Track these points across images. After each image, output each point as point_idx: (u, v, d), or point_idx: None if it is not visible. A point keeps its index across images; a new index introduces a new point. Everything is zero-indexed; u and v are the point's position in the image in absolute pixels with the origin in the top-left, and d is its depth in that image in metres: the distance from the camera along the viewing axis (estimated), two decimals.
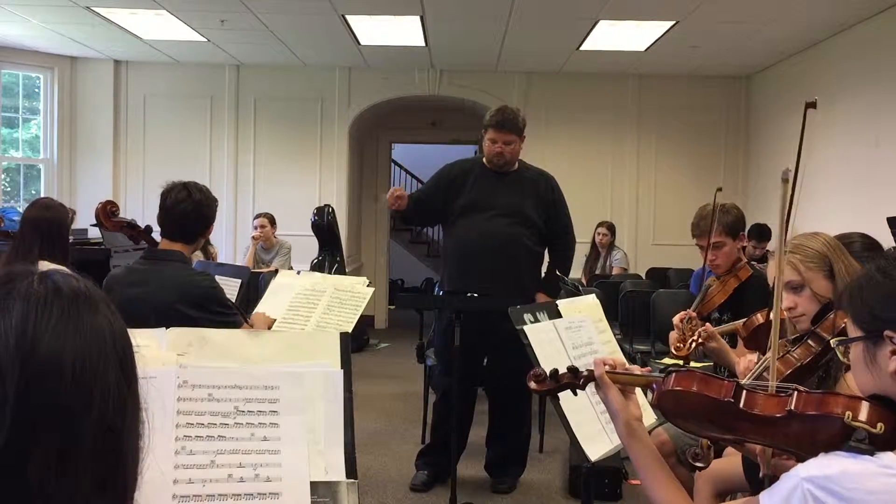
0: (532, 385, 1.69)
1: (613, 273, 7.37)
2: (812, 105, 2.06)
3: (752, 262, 3.23)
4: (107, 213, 3.28)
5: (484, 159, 4.02)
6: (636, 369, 1.68)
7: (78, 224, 6.61)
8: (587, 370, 1.63)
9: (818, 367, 1.98)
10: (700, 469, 1.80)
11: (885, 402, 1.23)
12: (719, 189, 3.18)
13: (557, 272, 4.16)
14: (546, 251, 4.13)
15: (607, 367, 1.59)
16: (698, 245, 3.22)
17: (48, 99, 8.17)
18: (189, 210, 2.78)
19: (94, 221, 3.52)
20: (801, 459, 1.25)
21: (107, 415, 0.77)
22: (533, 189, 3.98)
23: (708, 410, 1.39)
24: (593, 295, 3.23)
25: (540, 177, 4.09)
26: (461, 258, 3.97)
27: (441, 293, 4.25)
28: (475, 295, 3.74)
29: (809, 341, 2.01)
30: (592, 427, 2.26)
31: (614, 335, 2.81)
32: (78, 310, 0.78)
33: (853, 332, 1.29)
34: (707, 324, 2.70)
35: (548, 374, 1.67)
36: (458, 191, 3.99)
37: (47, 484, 0.73)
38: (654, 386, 1.49)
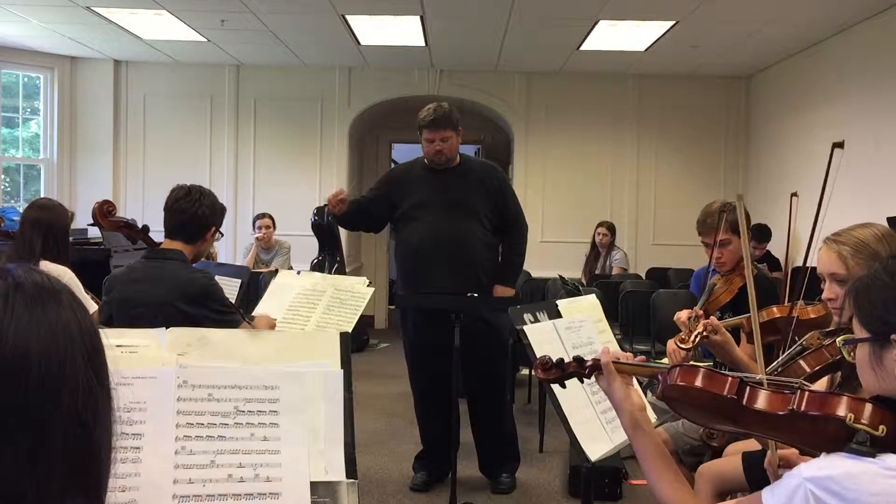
0: (538, 373, 1.71)
1: (613, 273, 7.37)
2: (839, 145, 2.07)
3: (754, 263, 3.22)
4: (103, 212, 3.28)
5: (425, 159, 4.02)
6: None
7: (77, 224, 6.61)
8: (592, 359, 1.64)
9: (847, 364, 1.97)
10: (715, 448, 1.80)
11: (889, 403, 1.22)
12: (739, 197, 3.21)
13: (511, 260, 4.10)
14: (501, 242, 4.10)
15: (612, 358, 1.60)
16: (703, 242, 3.20)
17: (48, 99, 8.17)
18: (184, 208, 2.79)
19: (92, 221, 3.52)
20: (808, 454, 1.25)
21: (76, 411, 0.75)
22: (478, 181, 3.97)
23: (712, 405, 1.40)
24: (593, 295, 3.23)
25: (484, 168, 4.09)
26: (415, 258, 3.95)
27: (398, 295, 4.25)
28: (472, 295, 3.76)
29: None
30: (592, 427, 2.26)
31: (614, 335, 2.81)
32: (42, 305, 0.76)
33: (860, 332, 1.29)
34: (712, 317, 2.69)
35: (554, 362, 1.68)
36: (403, 193, 3.98)
37: (18, 483, 0.71)
38: (659, 378, 1.49)
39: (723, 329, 2.58)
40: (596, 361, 1.62)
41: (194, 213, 2.80)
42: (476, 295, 3.77)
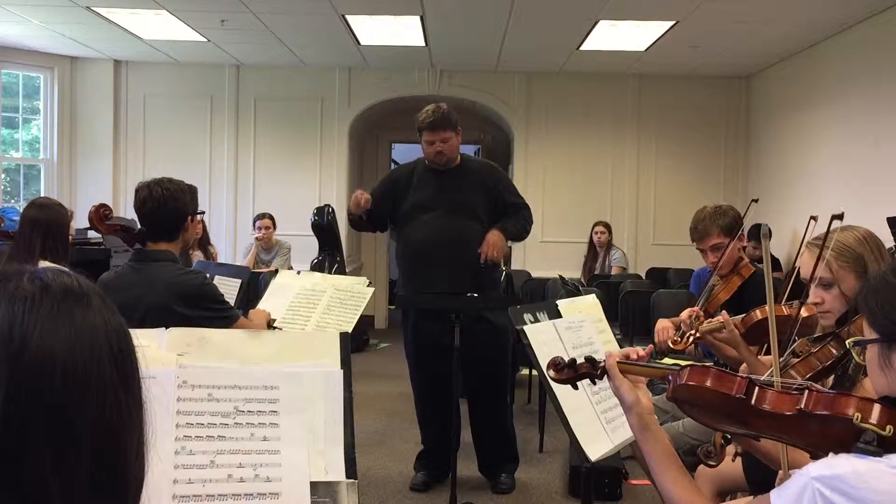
0: (551, 373, 1.69)
1: (613, 272, 7.37)
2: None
3: (754, 262, 3.23)
4: (100, 216, 3.24)
5: (426, 160, 4.03)
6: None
7: (78, 224, 6.62)
8: (604, 361, 1.63)
9: (838, 369, 1.96)
10: (712, 467, 1.81)
11: None
12: (755, 200, 3.28)
13: (514, 215, 4.04)
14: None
15: (621, 358, 1.59)
16: (698, 249, 3.23)
17: (48, 99, 8.17)
18: (154, 208, 2.74)
19: (88, 225, 3.49)
20: (816, 456, 1.25)
21: (103, 413, 0.75)
22: (479, 181, 3.99)
23: (721, 405, 1.40)
24: (593, 295, 3.23)
25: (483, 167, 4.12)
26: (413, 258, 3.98)
27: (398, 294, 4.28)
28: (472, 295, 3.77)
29: (832, 344, 1.99)
30: (592, 427, 2.26)
31: (614, 335, 2.81)
32: (68, 307, 0.77)
33: (869, 333, 1.30)
34: (724, 312, 2.69)
35: (566, 362, 1.67)
36: (404, 193, 4.00)
37: (43, 484, 0.72)
38: (670, 378, 1.49)
39: (731, 325, 2.57)
40: None
41: (164, 212, 2.74)
42: (476, 295, 3.77)
